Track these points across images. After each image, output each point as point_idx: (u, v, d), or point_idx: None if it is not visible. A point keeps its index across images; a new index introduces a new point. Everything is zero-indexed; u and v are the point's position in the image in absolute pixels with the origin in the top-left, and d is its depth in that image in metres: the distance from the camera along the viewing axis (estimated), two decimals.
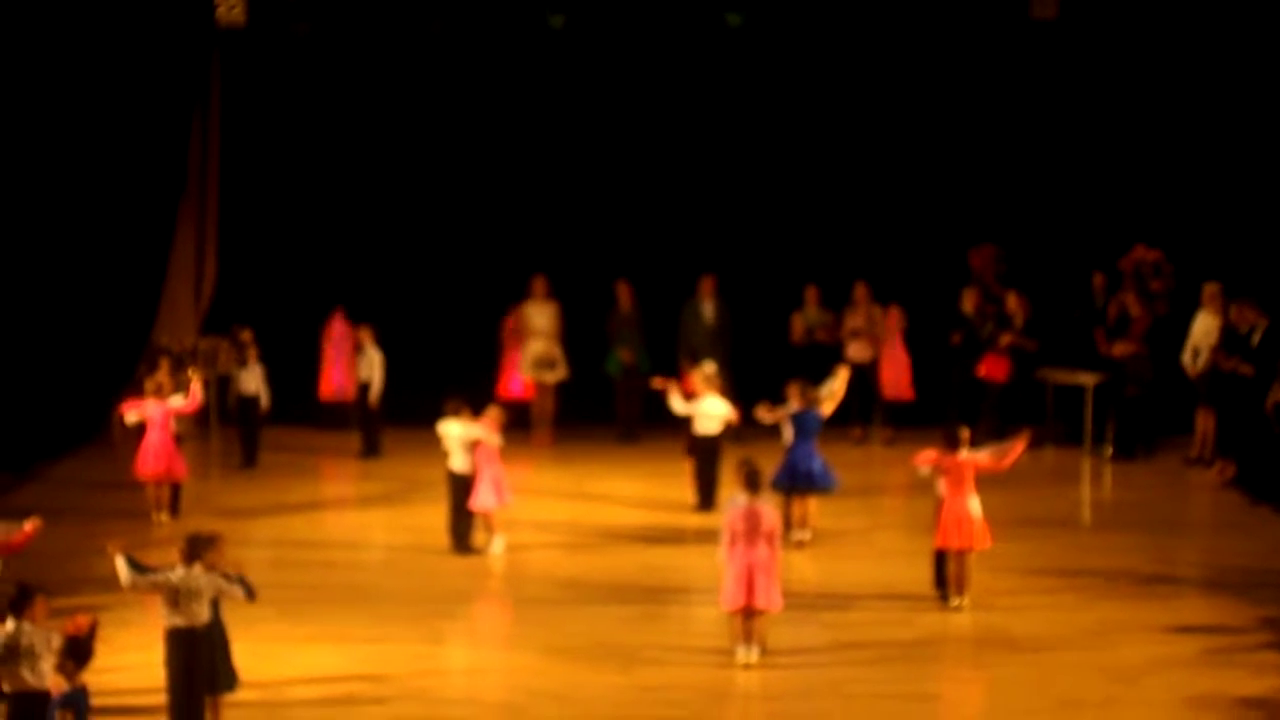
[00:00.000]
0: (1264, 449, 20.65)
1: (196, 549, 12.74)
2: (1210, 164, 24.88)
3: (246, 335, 23.14)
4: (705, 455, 20.37)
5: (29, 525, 13.99)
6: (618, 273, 24.98)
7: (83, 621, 11.67)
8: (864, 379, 24.22)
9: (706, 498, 20.26)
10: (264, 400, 22.91)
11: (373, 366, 23.60)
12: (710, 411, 20.27)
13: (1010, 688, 14.45)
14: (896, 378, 24.63)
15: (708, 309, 24.59)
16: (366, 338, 23.73)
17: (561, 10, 25.41)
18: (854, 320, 24.58)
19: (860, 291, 24.56)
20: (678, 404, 20.35)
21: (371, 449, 23.56)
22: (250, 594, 13.09)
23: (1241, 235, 24.26)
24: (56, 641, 11.43)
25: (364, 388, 23.77)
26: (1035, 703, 14.03)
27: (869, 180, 25.77)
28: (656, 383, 20.84)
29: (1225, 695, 14.02)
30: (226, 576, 12.90)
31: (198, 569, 12.68)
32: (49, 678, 11.53)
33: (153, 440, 19.76)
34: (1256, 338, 21.47)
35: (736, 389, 21.75)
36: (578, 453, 23.95)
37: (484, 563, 18.38)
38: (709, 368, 20.92)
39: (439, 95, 25.89)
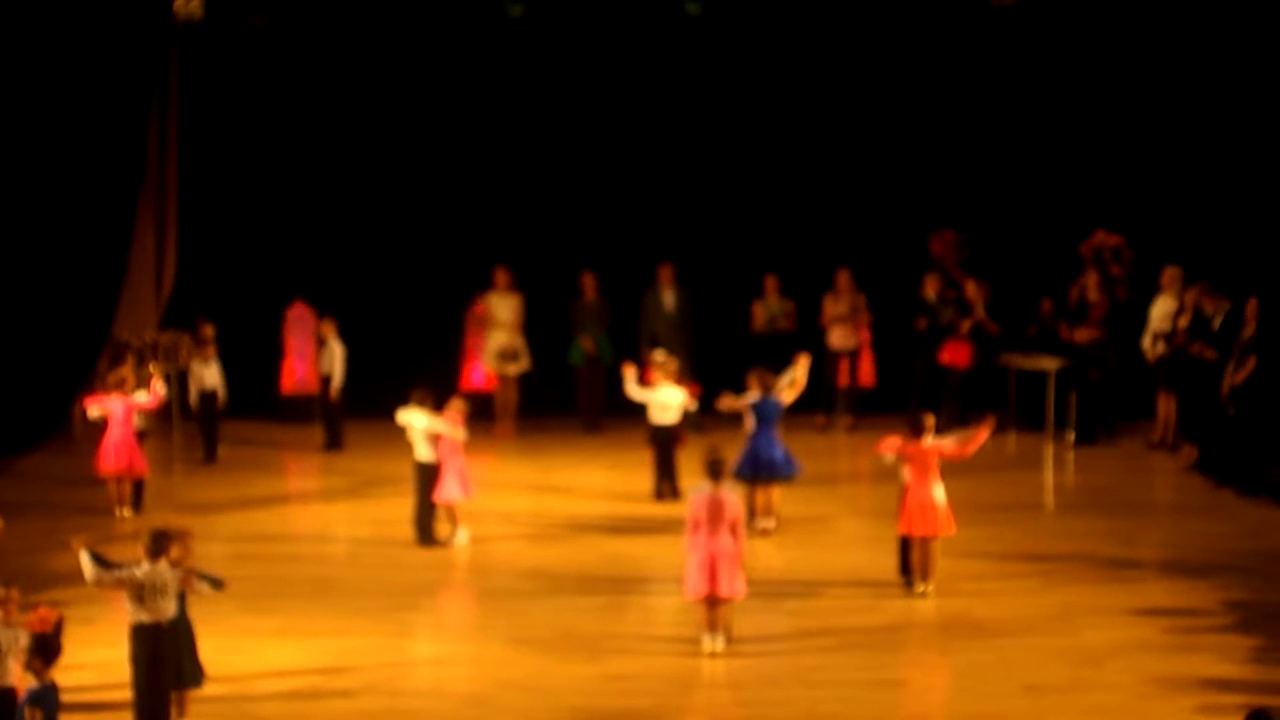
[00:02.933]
0: (1224, 433, 20.73)
1: (161, 544, 12.70)
2: (1170, 149, 24.95)
3: (209, 330, 23.06)
4: (661, 444, 20.36)
5: None
6: (579, 263, 24.97)
7: (49, 617, 11.63)
8: (851, 367, 24.44)
9: (664, 486, 20.25)
10: (221, 395, 22.84)
11: (334, 359, 23.55)
12: (666, 401, 20.27)
13: (975, 673, 14.48)
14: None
15: (668, 297, 24.61)
16: (329, 331, 23.68)
17: (520, 0, 25.36)
18: (836, 307, 24.62)
19: (843, 279, 24.63)
20: (634, 390, 20.32)
21: (334, 442, 23.52)
22: (217, 584, 13.07)
23: (1201, 219, 24.33)
24: (24, 639, 11.38)
25: (326, 381, 23.72)
26: (1000, 687, 14.07)
27: (829, 167, 25.76)
28: (627, 366, 20.78)
29: (1189, 677, 14.08)
30: (192, 571, 12.88)
31: (163, 564, 12.64)
32: (15, 675, 11.48)
33: (114, 436, 19.69)
34: (1217, 322, 21.54)
35: (698, 377, 21.78)
36: (541, 444, 23.95)
37: (449, 555, 18.37)
38: (660, 355, 20.92)
39: (398, 86, 25.81)
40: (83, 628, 14.87)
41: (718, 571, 14.76)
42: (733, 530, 14.86)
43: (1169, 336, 22.41)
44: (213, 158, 25.77)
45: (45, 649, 11.23)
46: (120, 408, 19.70)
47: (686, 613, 15.37)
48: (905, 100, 25.69)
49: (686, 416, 20.60)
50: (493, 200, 25.84)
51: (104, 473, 19.76)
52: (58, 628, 11.41)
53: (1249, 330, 20.48)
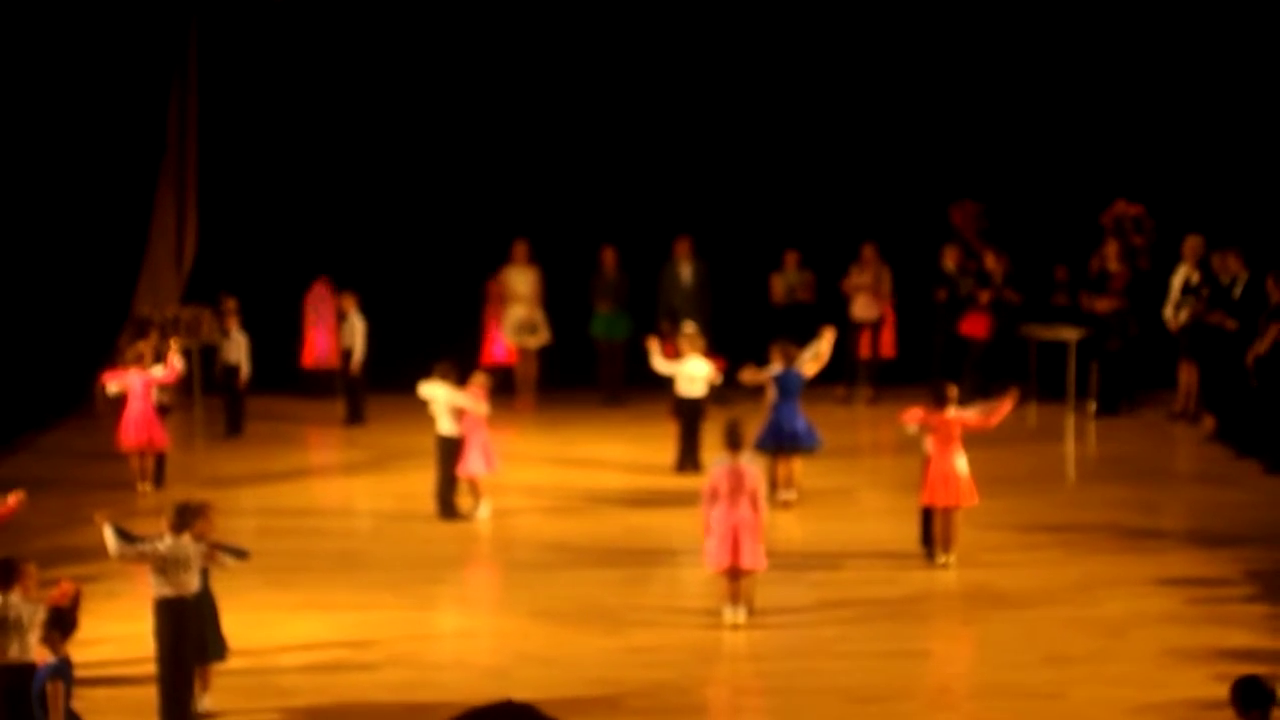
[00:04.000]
0: (1246, 402, 20.68)
1: (185, 518, 12.73)
2: (1191, 118, 24.86)
3: (231, 304, 23.08)
4: (687, 417, 20.39)
5: (12, 499, 13.96)
6: (598, 236, 24.95)
7: (68, 590, 11.66)
8: (873, 338, 24.48)
9: (687, 459, 20.28)
10: (244, 369, 22.85)
11: (355, 334, 23.56)
12: (693, 373, 20.29)
13: (997, 643, 14.50)
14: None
15: (685, 270, 24.60)
16: (350, 305, 23.68)
17: None
18: (861, 277, 24.60)
19: (869, 251, 24.61)
20: (660, 364, 20.38)
21: (355, 416, 23.53)
22: (241, 554, 13.10)
23: (1221, 189, 24.26)
24: (40, 614, 11.42)
25: (347, 355, 23.74)
26: (1022, 657, 14.08)
27: (847, 138, 25.70)
28: (651, 340, 20.80)
29: (1211, 648, 14.08)
30: (215, 545, 12.91)
31: (186, 538, 12.67)
32: (35, 650, 11.51)
33: (133, 411, 19.71)
34: (1238, 290, 21.49)
35: (718, 350, 21.78)
36: (562, 417, 23.95)
37: (471, 528, 18.40)
38: (689, 328, 20.94)
39: (418, 61, 25.79)
40: (106, 602, 14.97)
41: (740, 543, 14.76)
42: (753, 502, 14.87)
43: (1193, 294, 22.27)
44: (233, 133, 25.76)
45: (62, 622, 11.25)
46: (138, 382, 19.72)
47: (708, 585, 15.39)
48: (924, 70, 25.60)
49: (710, 389, 20.62)
50: (513, 174, 25.82)
51: (125, 448, 19.80)
52: (75, 601, 11.43)
53: (1275, 299, 20.40)
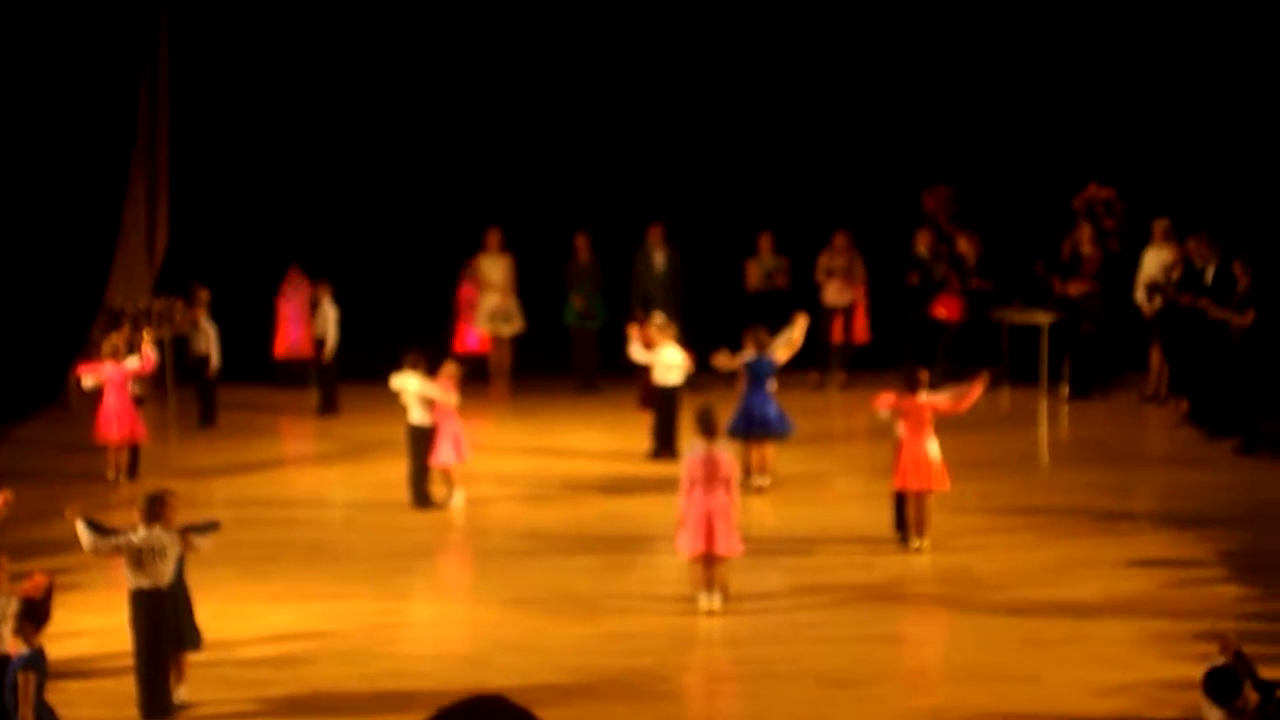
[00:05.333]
0: (1219, 386, 20.74)
1: (156, 508, 12.71)
2: (1161, 101, 24.91)
3: (204, 294, 23.00)
4: (664, 404, 20.40)
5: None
6: (571, 223, 24.94)
7: (40, 581, 11.63)
8: (845, 323, 24.52)
9: (664, 445, 20.30)
10: (214, 360, 22.76)
11: (328, 323, 23.51)
12: (669, 361, 20.30)
13: (972, 627, 14.53)
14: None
15: (658, 257, 24.61)
16: (323, 294, 23.63)
17: None
18: (832, 260, 24.60)
19: (840, 240, 24.61)
20: (638, 352, 20.40)
21: (329, 406, 23.50)
22: (212, 527, 13.09)
23: (1192, 172, 24.31)
24: (13, 605, 11.39)
25: (320, 344, 23.71)
26: (997, 641, 14.12)
27: (819, 123, 25.72)
28: (631, 328, 20.80)
29: (1185, 630, 14.12)
30: (186, 529, 12.87)
31: (159, 528, 12.65)
32: (7, 642, 11.49)
33: (111, 404, 19.67)
34: (1210, 275, 21.52)
35: (691, 337, 21.77)
36: (536, 405, 23.94)
37: (445, 517, 18.39)
38: (658, 318, 20.93)
39: (390, 49, 25.74)
40: (80, 595, 14.93)
41: (714, 529, 14.79)
42: (727, 488, 14.89)
43: (1161, 288, 22.41)
44: (204, 122, 25.70)
45: (35, 614, 11.22)
46: (115, 374, 19.68)
47: (683, 571, 15.40)
48: (896, 54, 25.62)
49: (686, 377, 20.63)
50: (485, 162, 25.80)
51: (105, 441, 19.74)
52: (47, 592, 11.40)
53: (1242, 284, 20.45)
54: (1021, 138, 25.28)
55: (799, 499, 18.68)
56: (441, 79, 25.80)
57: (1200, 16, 24.60)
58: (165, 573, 12.63)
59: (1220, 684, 9.99)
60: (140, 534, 12.60)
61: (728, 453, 15.25)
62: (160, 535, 12.62)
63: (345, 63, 25.73)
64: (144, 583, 12.57)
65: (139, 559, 12.55)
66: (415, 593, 16.11)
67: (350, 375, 23.45)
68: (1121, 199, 23.78)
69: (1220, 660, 10.58)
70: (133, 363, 19.78)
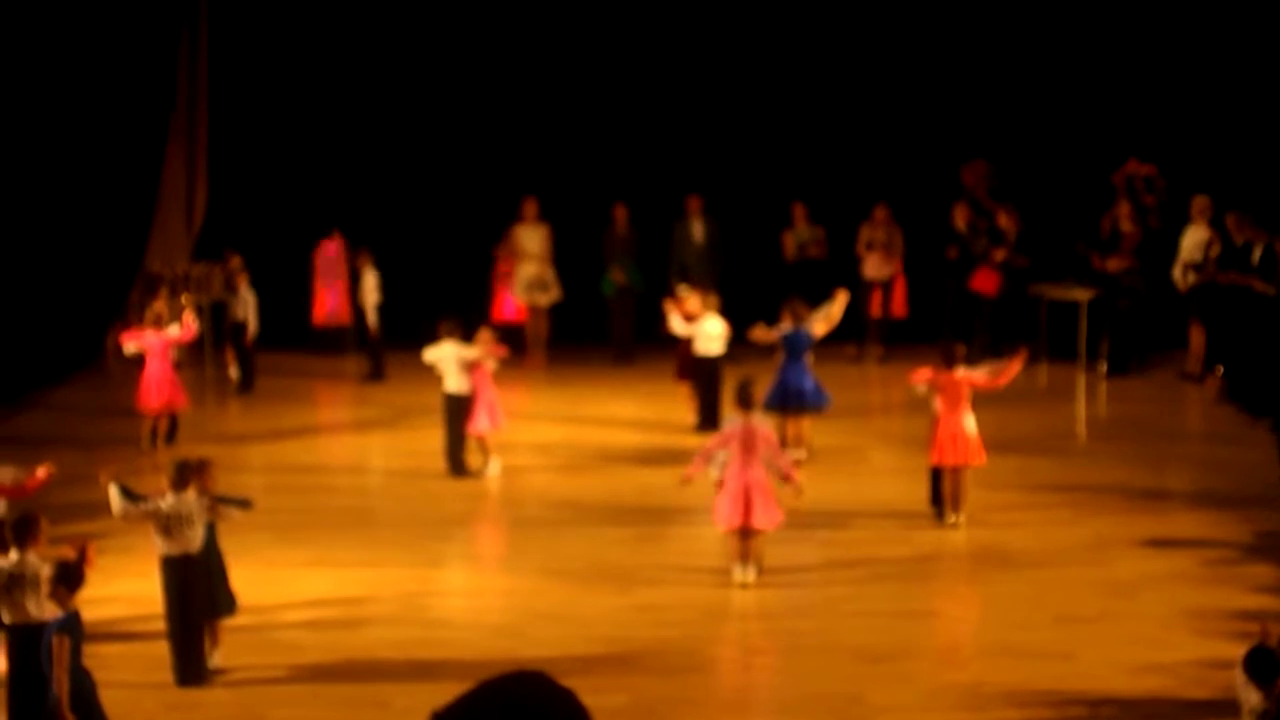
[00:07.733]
0: (1258, 363, 20.64)
1: (185, 475, 12.72)
2: (1203, 77, 24.78)
3: (236, 261, 23.06)
4: (706, 376, 20.36)
5: (41, 471, 13.91)
6: (608, 193, 24.94)
7: (76, 544, 11.65)
8: (884, 297, 24.49)
9: (708, 418, 20.27)
10: (252, 326, 22.82)
11: (370, 290, 23.52)
12: (711, 332, 20.26)
13: (1006, 603, 14.49)
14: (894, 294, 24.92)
15: (696, 228, 24.60)
16: (364, 262, 23.64)
17: None
18: (872, 233, 24.59)
19: (880, 213, 24.59)
20: (678, 325, 20.34)
21: (377, 373, 23.51)
22: (245, 504, 13.11)
23: (1232, 148, 24.19)
24: (47, 570, 11.42)
25: (360, 313, 23.73)
26: (1031, 618, 14.07)
27: (858, 95, 25.67)
28: (668, 302, 20.77)
29: (1220, 608, 14.07)
30: (217, 499, 12.91)
31: (188, 494, 12.67)
32: (43, 606, 11.52)
33: (153, 371, 19.66)
34: (1257, 255, 21.36)
35: (729, 308, 21.74)
36: (572, 375, 23.96)
37: (480, 486, 18.41)
38: (683, 290, 20.85)
39: (431, 16, 25.74)
40: (118, 559, 14.98)
41: (752, 502, 14.78)
42: (774, 453, 14.94)
43: (1199, 267, 22.31)
44: (243, 88, 25.73)
45: (69, 577, 11.23)
46: (156, 342, 19.70)
47: (718, 544, 15.40)
48: (935, 26, 25.54)
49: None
50: (523, 132, 25.80)
51: (147, 409, 19.75)
52: (83, 556, 11.42)
53: None
54: (1062, 112, 25.19)
55: (835, 472, 18.64)
56: (482, 48, 25.79)
57: None
58: (194, 539, 12.64)
59: (1261, 665, 9.93)
60: (168, 500, 12.62)
61: (766, 425, 15.26)
62: (188, 501, 12.63)
63: (386, 30, 25.74)
64: (173, 549, 12.60)
65: (166, 526, 12.57)
66: (450, 561, 16.12)
67: (388, 343, 23.47)
68: (1162, 175, 23.67)
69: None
70: (174, 330, 19.81)
